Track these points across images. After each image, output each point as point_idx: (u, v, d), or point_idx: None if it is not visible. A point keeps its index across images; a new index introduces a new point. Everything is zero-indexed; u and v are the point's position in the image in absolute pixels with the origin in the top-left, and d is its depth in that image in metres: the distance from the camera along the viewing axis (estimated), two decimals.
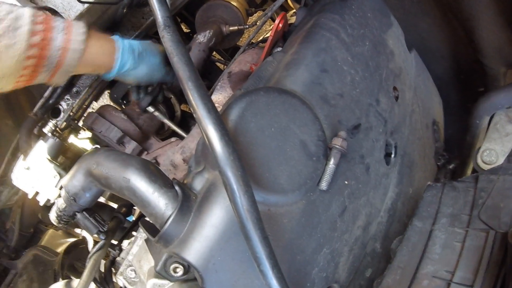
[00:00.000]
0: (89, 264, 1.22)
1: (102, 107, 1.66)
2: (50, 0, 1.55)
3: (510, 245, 0.97)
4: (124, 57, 1.34)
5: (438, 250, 1.12)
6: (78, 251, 1.98)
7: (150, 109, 1.67)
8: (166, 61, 1.51)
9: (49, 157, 1.48)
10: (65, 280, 1.53)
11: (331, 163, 1.10)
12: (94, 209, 1.29)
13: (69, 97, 1.74)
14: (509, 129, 1.63)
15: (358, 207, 1.25)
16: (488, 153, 1.64)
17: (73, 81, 1.72)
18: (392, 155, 1.46)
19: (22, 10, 1.09)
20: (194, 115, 0.89)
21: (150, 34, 2.02)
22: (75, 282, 1.50)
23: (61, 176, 1.44)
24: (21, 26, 1.06)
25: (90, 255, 1.26)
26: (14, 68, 1.07)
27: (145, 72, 1.43)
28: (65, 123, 1.72)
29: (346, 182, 1.21)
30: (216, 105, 1.55)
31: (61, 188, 1.21)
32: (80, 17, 1.61)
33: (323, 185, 1.10)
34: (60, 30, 1.14)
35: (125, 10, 1.74)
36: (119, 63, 1.33)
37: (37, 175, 1.45)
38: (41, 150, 1.48)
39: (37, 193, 1.46)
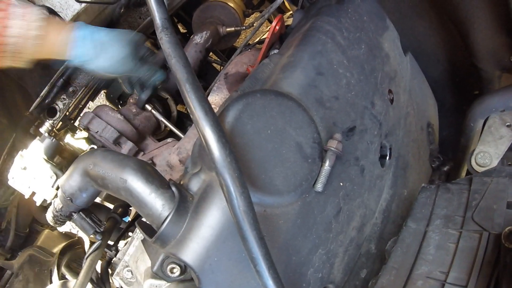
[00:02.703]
0: (86, 265, 1.23)
1: (98, 107, 1.66)
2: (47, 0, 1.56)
3: (503, 246, 0.98)
4: (83, 46, 1.32)
5: (432, 251, 1.13)
6: (74, 251, 1.97)
7: (148, 107, 1.67)
8: (137, 53, 1.47)
9: (45, 157, 1.48)
10: (62, 281, 1.54)
11: (327, 165, 1.11)
12: (91, 210, 1.30)
13: (65, 97, 1.74)
14: (503, 132, 1.64)
15: (353, 209, 1.26)
16: (482, 155, 1.66)
17: (69, 80, 1.72)
18: (387, 157, 1.47)
19: None
20: (191, 116, 0.90)
21: (147, 34, 2.02)
22: (72, 282, 1.50)
23: (57, 177, 1.44)
24: None
25: (86, 255, 1.27)
26: None
27: (108, 63, 1.39)
28: (61, 123, 1.72)
29: (341, 184, 1.22)
30: (213, 106, 1.55)
31: (57, 188, 1.22)
32: (77, 16, 1.61)
33: (319, 186, 1.11)
34: (18, 16, 1.17)
35: (122, 10, 1.74)
36: (75, 52, 1.31)
37: (34, 175, 1.45)
38: (37, 150, 1.48)
39: (33, 194, 1.46)
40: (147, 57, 1.55)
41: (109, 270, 1.37)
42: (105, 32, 1.37)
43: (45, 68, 1.64)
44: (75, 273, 1.85)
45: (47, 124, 1.63)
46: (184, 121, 2.02)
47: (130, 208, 1.53)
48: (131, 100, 1.72)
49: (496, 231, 1.06)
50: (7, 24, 1.14)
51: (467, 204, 1.21)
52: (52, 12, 1.48)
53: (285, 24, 1.76)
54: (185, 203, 0.99)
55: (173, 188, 0.99)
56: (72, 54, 1.31)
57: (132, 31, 1.49)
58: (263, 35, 3.54)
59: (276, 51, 1.50)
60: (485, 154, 1.65)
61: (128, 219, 1.56)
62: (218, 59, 2.98)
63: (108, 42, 1.37)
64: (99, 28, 1.37)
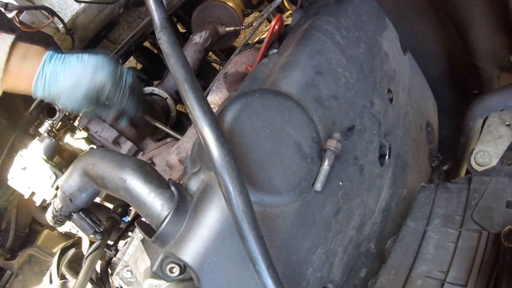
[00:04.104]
0: (85, 265, 1.23)
1: None
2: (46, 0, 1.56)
3: (502, 246, 0.98)
4: (43, 81, 1.22)
5: (432, 250, 1.13)
6: (74, 251, 1.97)
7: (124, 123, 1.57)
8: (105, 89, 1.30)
9: (45, 157, 1.48)
10: (62, 281, 1.54)
11: (326, 165, 1.11)
12: (90, 210, 1.30)
13: None
14: (502, 131, 1.65)
15: (352, 208, 1.26)
16: (481, 154, 1.66)
17: None
18: (386, 157, 1.48)
19: None
20: (190, 116, 0.90)
21: (146, 34, 2.02)
22: (71, 282, 1.50)
23: (57, 177, 1.44)
24: None
25: (86, 255, 1.27)
26: None
27: (73, 103, 1.28)
28: (60, 123, 1.72)
29: (340, 183, 1.22)
30: (212, 105, 1.56)
31: (57, 188, 1.22)
32: (76, 16, 1.61)
33: (318, 186, 1.11)
34: None
35: (121, 10, 1.74)
36: (36, 88, 1.23)
37: (33, 176, 1.45)
38: (37, 150, 1.48)
39: (33, 194, 1.46)
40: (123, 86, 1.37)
41: (109, 270, 1.37)
42: (73, 63, 1.25)
43: None
44: (75, 273, 1.85)
45: (47, 124, 1.63)
46: (183, 121, 2.02)
47: (130, 208, 1.53)
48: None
49: (496, 230, 1.06)
50: None
51: (466, 203, 1.21)
52: (52, 13, 1.49)
53: (284, 23, 1.77)
54: (184, 203, 0.99)
55: (172, 188, 1.00)
56: (33, 89, 1.23)
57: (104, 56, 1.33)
58: (262, 35, 3.54)
59: (275, 50, 1.50)
60: (485, 153, 1.65)
61: (128, 219, 1.56)
62: (217, 59, 2.98)
63: (72, 79, 1.25)
64: (69, 57, 1.26)
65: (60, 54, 1.26)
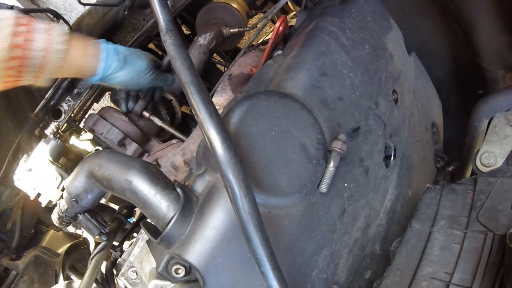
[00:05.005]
0: (91, 265, 1.23)
1: (103, 108, 1.67)
2: (51, 2, 1.57)
3: (508, 247, 0.98)
4: (109, 58, 1.33)
5: (437, 252, 1.13)
6: (79, 252, 1.98)
7: (146, 113, 1.66)
8: (154, 65, 1.50)
9: (51, 159, 1.48)
10: (67, 281, 1.54)
11: (331, 166, 1.11)
12: (96, 211, 1.30)
13: (70, 99, 1.75)
14: (508, 132, 1.64)
15: (358, 209, 1.26)
16: (487, 155, 1.65)
17: (74, 82, 1.73)
18: (392, 158, 1.47)
19: (5, 12, 1.11)
20: (196, 118, 0.90)
21: (151, 36, 2.03)
22: (77, 283, 1.51)
23: (63, 178, 1.45)
24: (4, 27, 1.07)
25: (91, 256, 1.27)
26: None
27: (131, 76, 1.41)
28: (66, 124, 1.73)
29: (345, 185, 1.22)
30: (217, 107, 1.56)
31: (63, 189, 1.22)
32: (81, 19, 1.62)
33: (323, 187, 1.11)
34: (42, 31, 1.16)
35: (126, 12, 1.75)
36: (103, 65, 1.32)
37: (39, 177, 1.45)
38: (42, 151, 1.49)
39: (39, 195, 1.47)
40: (162, 69, 1.60)
41: (114, 270, 1.38)
42: (123, 47, 1.39)
43: None
44: (80, 273, 1.86)
45: (52, 126, 1.64)
46: (188, 122, 2.02)
47: (135, 209, 1.54)
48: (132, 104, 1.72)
49: (501, 231, 1.06)
50: (31, 38, 1.13)
51: (472, 205, 1.21)
52: (57, 15, 1.50)
53: (289, 24, 1.77)
54: (190, 204, 1.00)
55: (178, 189, 1.00)
56: (100, 67, 1.32)
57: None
58: (266, 36, 3.55)
59: (279, 52, 1.50)
60: (490, 154, 1.65)
61: (133, 220, 1.56)
62: (222, 60, 2.98)
63: (128, 55, 1.39)
64: (117, 45, 1.39)
65: (113, 50, 1.35)
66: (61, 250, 2.06)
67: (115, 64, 1.34)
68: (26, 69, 1.14)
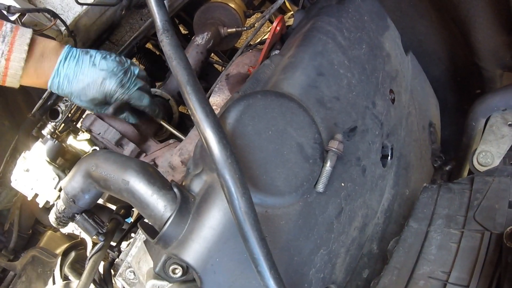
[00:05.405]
0: (88, 266, 1.23)
1: None
2: (48, 2, 1.56)
3: (505, 246, 0.98)
4: (61, 74, 1.29)
5: (434, 251, 1.13)
6: (77, 252, 1.98)
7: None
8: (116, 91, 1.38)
9: (48, 159, 1.48)
10: (64, 282, 1.54)
11: (328, 166, 1.11)
12: (93, 211, 1.30)
13: (67, 99, 1.75)
14: (505, 131, 1.64)
15: (355, 209, 1.27)
16: (484, 155, 1.66)
17: None
18: (389, 157, 1.48)
19: None
20: (192, 118, 0.90)
21: (149, 35, 2.03)
22: (74, 283, 1.51)
23: (60, 178, 1.44)
24: None
25: (89, 256, 1.27)
26: None
27: (84, 100, 1.36)
28: (63, 124, 1.73)
29: (342, 184, 1.22)
30: (214, 107, 1.56)
31: (60, 190, 1.22)
32: (78, 18, 1.62)
33: (320, 187, 1.12)
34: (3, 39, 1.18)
35: (123, 12, 1.75)
36: (52, 81, 1.30)
37: (36, 177, 1.45)
38: (40, 152, 1.49)
39: (36, 195, 1.46)
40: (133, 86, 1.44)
41: (112, 271, 1.38)
42: (85, 67, 1.32)
43: None
44: (78, 274, 1.86)
45: (50, 126, 1.63)
46: (185, 122, 2.02)
47: (132, 209, 1.54)
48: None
49: (498, 230, 1.06)
50: None
51: (468, 204, 1.21)
52: (54, 15, 1.49)
53: (286, 24, 1.77)
54: (187, 204, 1.00)
55: (175, 189, 1.00)
56: (48, 86, 1.30)
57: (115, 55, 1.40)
58: (264, 36, 3.55)
59: (277, 51, 1.51)
60: (487, 154, 1.65)
61: (131, 220, 1.56)
62: (220, 60, 2.98)
63: (83, 83, 1.32)
64: (82, 57, 1.33)
65: (75, 52, 1.32)
66: (59, 250, 2.06)
67: (66, 82, 1.31)
68: None
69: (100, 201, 1.68)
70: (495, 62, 1.81)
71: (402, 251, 1.19)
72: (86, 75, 1.32)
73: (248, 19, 2.40)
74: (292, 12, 3.26)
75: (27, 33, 1.24)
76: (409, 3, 1.93)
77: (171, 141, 1.65)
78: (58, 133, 1.68)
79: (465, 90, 2.06)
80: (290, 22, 2.18)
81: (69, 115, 1.75)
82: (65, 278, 1.81)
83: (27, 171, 1.46)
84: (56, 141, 1.52)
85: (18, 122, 1.73)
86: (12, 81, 1.24)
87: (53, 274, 1.81)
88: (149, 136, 1.72)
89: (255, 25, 2.04)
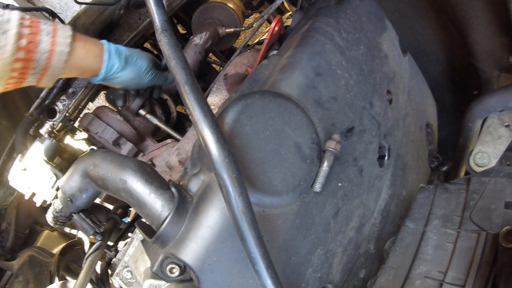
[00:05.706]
0: (86, 265, 1.23)
1: (98, 108, 1.67)
2: (47, 1, 1.56)
3: (501, 246, 0.99)
4: (111, 59, 1.34)
5: (431, 251, 1.14)
6: (74, 252, 1.98)
7: (142, 112, 1.67)
8: (154, 65, 1.51)
9: (45, 158, 1.48)
10: (61, 282, 1.54)
11: (325, 166, 1.12)
12: (91, 210, 1.30)
13: (65, 98, 1.74)
14: (502, 132, 1.65)
15: (352, 209, 1.27)
16: (480, 155, 1.66)
17: (69, 81, 1.73)
18: (386, 158, 1.48)
19: (11, 13, 1.10)
20: (190, 118, 0.90)
21: (147, 35, 2.03)
22: (71, 283, 1.50)
23: (57, 177, 1.44)
24: (9, 29, 1.07)
25: (86, 256, 1.27)
26: (3, 71, 1.08)
27: (132, 76, 1.43)
28: (61, 124, 1.73)
29: (339, 184, 1.22)
30: (212, 107, 1.56)
31: (57, 189, 1.22)
32: (77, 17, 1.62)
33: (317, 187, 1.12)
34: (47, 33, 1.15)
35: (122, 11, 1.74)
36: (106, 65, 1.33)
37: (34, 176, 1.45)
38: (37, 151, 1.48)
39: (33, 194, 1.46)
40: (162, 68, 1.60)
41: (109, 270, 1.38)
42: (125, 47, 1.41)
43: None
44: (75, 273, 1.86)
45: (47, 125, 1.63)
46: (183, 122, 2.02)
47: (130, 208, 1.54)
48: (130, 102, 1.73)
49: (494, 231, 1.07)
50: (35, 40, 1.12)
51: (465, 204, 1.22)
52: (53, 14, 1.49)
53: (284, 25, 1.77)
54: (185, 204, 1.00)
55: (173, 189, 1.00)
56: (103, 67, 1.33)
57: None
58: (262, 36, 3.55)
59: (275, 52, 1.51)
60: (484, 154, 1.66)
61: (128, 219, 1.56)
62: (218, 60, 2.99)
63: (130, 56, 1.41)
64: (118, 45, 1.41)
65: (115, 50, 1.36)
66: (56, 250, 2.05)
67: (117, 65, 1.36)
68: (29, 71, 1.14)
69: (98, 200, 1.68)
70: (493, 63, 1.81)
71: (398, 251, 1.19)
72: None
73: (246, 19, 2.40)
74: (290, 13, 3.27)
75: (68, 29, 1.24)
76: (407, 4, 1.93)
77: (168, 140, 1.65)
78: (55, 132, 1.68)
79: (463, 91, 2.07)
80: (289, 22, 2.18)
81: (67, 114, 1.75)
82: (62, 277, 1.81)
83: (25, 170, 1.46)
84: (54, 140, 1.52)
85: (16, 122, 1.72)
86: (60, 59, 1.21)
87: (50, 273, 1.81)
88: (146, 136, 1.72)
89: (254, 25, 2.04)
